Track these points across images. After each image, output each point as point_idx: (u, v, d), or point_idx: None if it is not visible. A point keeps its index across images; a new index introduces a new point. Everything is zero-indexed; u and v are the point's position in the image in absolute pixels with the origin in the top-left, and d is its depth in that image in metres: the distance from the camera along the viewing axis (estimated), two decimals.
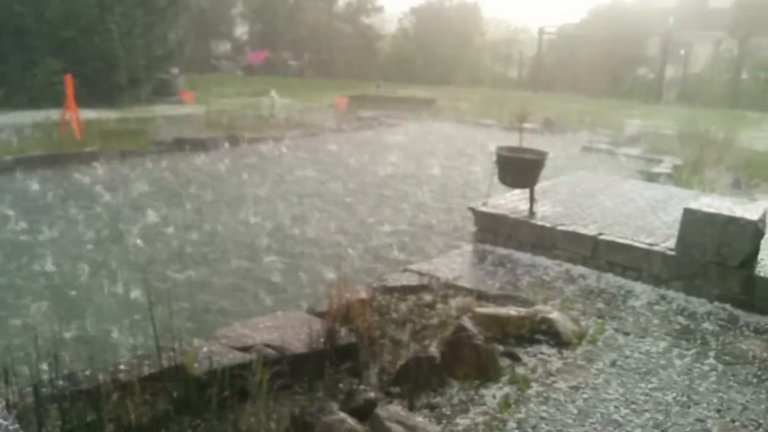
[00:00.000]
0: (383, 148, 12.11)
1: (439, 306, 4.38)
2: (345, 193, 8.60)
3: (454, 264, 5.33)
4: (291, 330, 3.76)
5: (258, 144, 11.93)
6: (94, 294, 5.00)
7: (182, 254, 6.00)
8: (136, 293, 4.93)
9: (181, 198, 8.02)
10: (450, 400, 3.23)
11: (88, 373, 2.96)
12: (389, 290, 4.66)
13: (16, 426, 2.13)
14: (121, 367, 3.09)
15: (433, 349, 3.69)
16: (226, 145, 11.53)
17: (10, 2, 14.38)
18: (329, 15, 30.05)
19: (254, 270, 5.69)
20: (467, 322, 3.68)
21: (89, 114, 12.53)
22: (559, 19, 28.77)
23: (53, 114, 11.97)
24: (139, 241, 6.24)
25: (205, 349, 3.34)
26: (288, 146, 11.85)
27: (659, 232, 5.37)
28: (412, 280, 4.87)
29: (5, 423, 2.13)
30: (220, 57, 30.60)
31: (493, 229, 5.87)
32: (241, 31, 33.93)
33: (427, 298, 4.54)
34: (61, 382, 2.81)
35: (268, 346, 3.51)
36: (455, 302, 4.39)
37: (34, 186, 8.29)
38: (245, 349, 3.46)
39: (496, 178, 5.88)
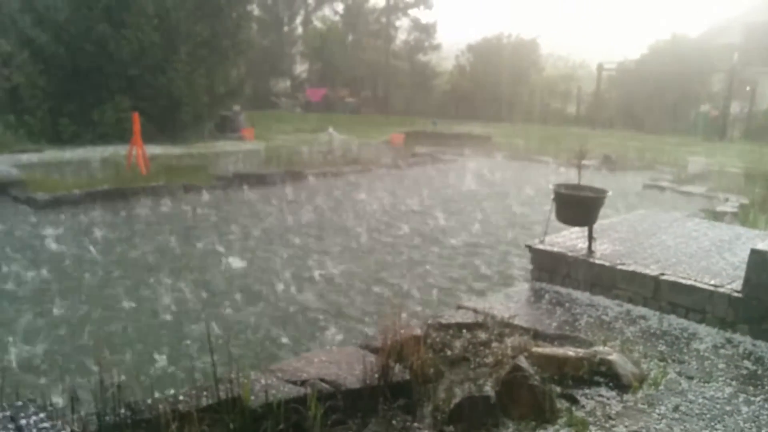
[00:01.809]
0: (439, 184, 12.14)
1: (494, 344, 4.31)
2: (400, 228, 8.64)
3: (510, 302, 5.26)
4: (345, 365, 3.77)
5: (314, 179, 12.16)
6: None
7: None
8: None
9: (227, 228, 8.23)
10: None
11: (149, 402, 3.04)
12: (443, 327, 4.62)
13: None
14: (180, 397, 3.15)
15: (488, 389, 3.64)
16: (285, 180, 11.80)
17: (82, 42, 15.22)
18: (386, 53, 30.66)
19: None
20: (523, 362, 3.61)
21: (154, 150, 13.05)
22: (618, 55, 28.45)
23: (121, 149, 12.53)
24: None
25: (261, 382, 3.38)
26: (345, 181, 12.04)
27: (724, 273, 5.18)
28: (467, 318, 4.81)
29: None
30: (280, 94, 31.50)
31: (550, 267, 5.78)
32: (300, 69, 34.95)
33: (482, 336, 4.48)
34: (123, 411, 2.88)
35: (322, 380, 3.53)
36: (511, 341, 4.31)
37: (104, 217, 8.67)
38: (300, 383, 3.48)
39: (553, 216, 5.81)
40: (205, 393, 3.22)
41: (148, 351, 4.58)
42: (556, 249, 5.79)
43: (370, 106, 30.16)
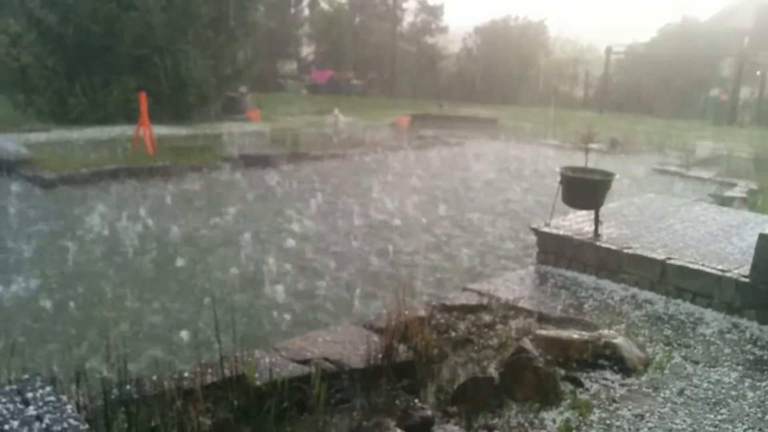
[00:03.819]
0: (443, 166, 12.10)
1: (499, 327, 4.32)
2: (401, 209, 8.62)
3: (515, 285, 5.25)
4: (349, 345, 3.78)
5: (320, 161, 12.14)
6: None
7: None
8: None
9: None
10: (508, 422, 3.17)
11: (154, 379, 3.05)
12: (448, 309, 4.63)
13: (86, 427, 2.21)
14: (185, 374, 3.17)
15: (492, 370, 3.65)
16: (289, 161, 11.78)
17: (89, 23, 15.16)
18: (393, 35, 30.43)
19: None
20: (528, 344, 3.61)
21: (161, 130, 13.04)
22: (627, 39, 28.10)
23: (128, 130, 12.53)
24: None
25: (265, 360, 3.39)
26: (350, 163, 12.01)
27: (732, 258, 5.15)
28: (472, 300, 4.82)
29: (76, 423, 2.21)
30: (286, 76, 31.37)
31: (555, 250, 5.76)
32: (307, 51, 34.77)
33: (487, 318, 4.49)
34: (128, 387, 2.90)
35: (326, 359, 3.54)
36: (515, 323, 4.32)
37: (109, 196, 8.69)
38: (304, 361, 3.49)
39: (559, 199, 5.79)
40: (209, 371, 3.23)
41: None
42: (561, 232, 5.77)
43: (376, 89, 30.01)
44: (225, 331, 3.21)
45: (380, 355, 3.61)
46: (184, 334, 4.51)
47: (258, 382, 3.15)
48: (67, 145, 12.07)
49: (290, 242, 6.96)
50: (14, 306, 5.01)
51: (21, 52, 16.16)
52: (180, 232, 7.16)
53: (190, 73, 16.12)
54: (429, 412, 3.14)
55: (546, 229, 5.88)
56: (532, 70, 28.82)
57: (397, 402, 3.41)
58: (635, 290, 5.11)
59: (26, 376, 2.47)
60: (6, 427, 2.16)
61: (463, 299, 4.85)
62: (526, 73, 28.58)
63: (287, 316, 5.00)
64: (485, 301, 4.75)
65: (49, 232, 7.05)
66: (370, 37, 31.06)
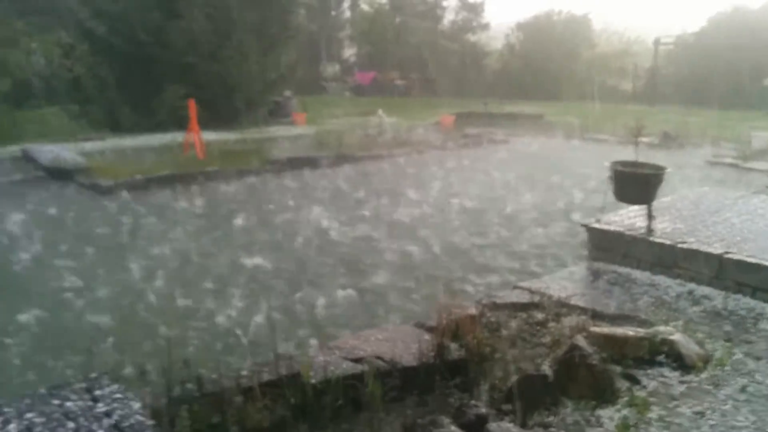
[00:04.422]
0: (491, 165, 12.01)
1: (551, 324, 4.28)
2: (449, 209, 8.60)
3: (567, 282, 5.19)
4: (401, 343, 3.81)
5: (367, 162, 12.21)
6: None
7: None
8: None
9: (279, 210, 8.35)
10: (564, 420, 3.14)
11: (214, 377, 3.14)
12: (499, 307, 4.61)
13: (152, 423, 2.29)
14: (243, 372, 3.25)
15: (546, 368, 3.62)
16: (336, 163, 11.90)
17: (137, 33, 15.60)
18: (435, 34, 30.33)
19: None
20: (582, 342, 3.57)
21: (210, 136, 13.32)
22: (676, 29, 27.32)
23: (178, 136, 12.84)
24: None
25: (320, 359, 3.44)
26: (396, 163, 12.05)
27: None
28: (522, 298, 4.79)
29: (142, 419, 2.30)
30: (329, 78, 31.58)
31: (607, 246, 5.67)
32: (349, 53, 34.97)
33: (539, 316, 4.45)
34: (189, 385, 2.99)
35: (379, 358, 3.58)
36: (568, 321, 4.27)
37: (164, 201, 8.95)
38: (357, 360, 3.54)
39: (610, 194, 5.69)
40: (266, 369, 3.30)
41: None
42: (613, 228, 5.68)
43: (420, 88, 29.94)
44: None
45: (432, 353, 3.63)
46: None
47: (313, 380, 3.21)
48: (121, 153, 12.45)
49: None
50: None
51: (74, 63, 16.73)
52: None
53: (236, 79, 16.42)
54: (483, 410, 3.14)
55: (597, 225, 5.79)
56: (577, 65, 28.31)
57: (451, 400, 3.42)
58: (692, 286, 4.98)
59: (94, 375, 2.57)
60: (77, 423, 2.26)
61: (513, 297, 4.82)
62: (571, 67, 28.08)
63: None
64: (536, 299, 4.72)
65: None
66: (411, 37, 31.03)
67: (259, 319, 4.74)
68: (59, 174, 10.46)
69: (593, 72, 27.56)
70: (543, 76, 27.47)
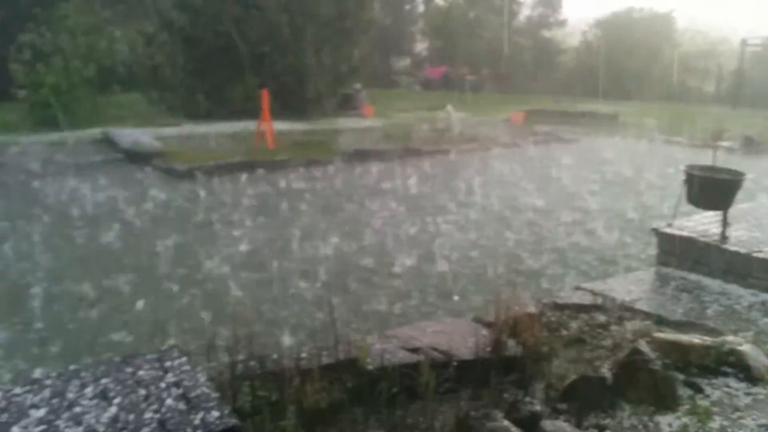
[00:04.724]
0: (557, 164, 11.80)
1: (613, 328, 4.20)
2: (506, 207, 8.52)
3: (632, 286, 5.08)
4: (458, 337, 3.82)
5: (432, 156, 12.22)
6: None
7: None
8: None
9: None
10: (621, 423, 3.09)
11: (275, 357, 3.25)
12: (560, 307, 4.56)
13: (217, 395, 2.41)
14: (303, 355, 3.35)
15: (605, 371, 3.57)
16: (403, 156, 11.96)
17: (216, 23, 16.09)
18: (509, 29, 29.94)
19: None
20: (644, 346, 3.50)
21: (280, 126, 13.62)
22: (765, 30, 26.03)
23: (250, 125, 13.19)
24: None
25: (377, 347, 3.51)
26: (462, 159, 12.01)
27: None
28: (585, 299, 4.72)
29: (208, 391, 2.42)
30: (400, 72, 31.66)
31: (678, 252, 5.50)
32: (421, 47, 34.92)
33: (601, 318, 4.38)
34: (252, 363, 3.11)
35: (435, 349, 3.61)
36: (631, 325, 4.19)
37: (236, 186, 9.25)
38: (414, 350, 3.58)
39: (683, 199, 5.52)
40: (325, 353, 3.39)
41: None
42: (685, 233, 5.50)
43: (491, 84, 29.65)
44: None
45: (488, 349, 3.63)
46: None
47: (370, 367, 3.27)
48: (196, 139, 12.91)
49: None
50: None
51: (154, 51, 17.42)
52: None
53: (308, 71, 16.72)
54: (538, 407, 3.13)
55: (668, 230, 5.63)
56: (658, 64, 27.36)
57: (505, 395, 3.42)
58: (766, 296, 4.78)
59: (165, 347, 2.72)
60: (148, 390, 2.41)
61: (575, 298, 4.76)
62: (650, 66, 27.17)
63: None
64: (599, 301, 4.64)
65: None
66: (484, 32, 30.74)
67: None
68: (137, 157, 10.95)
69: (674, 72, 26.58)
70: (620, 74, 26.70)
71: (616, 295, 4.76)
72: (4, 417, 2.22)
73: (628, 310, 4.47)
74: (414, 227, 7.43)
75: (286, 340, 4.41)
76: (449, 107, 15.58)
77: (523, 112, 17.89)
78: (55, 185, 9.27)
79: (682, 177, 5.47)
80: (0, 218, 7.62)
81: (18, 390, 2.39)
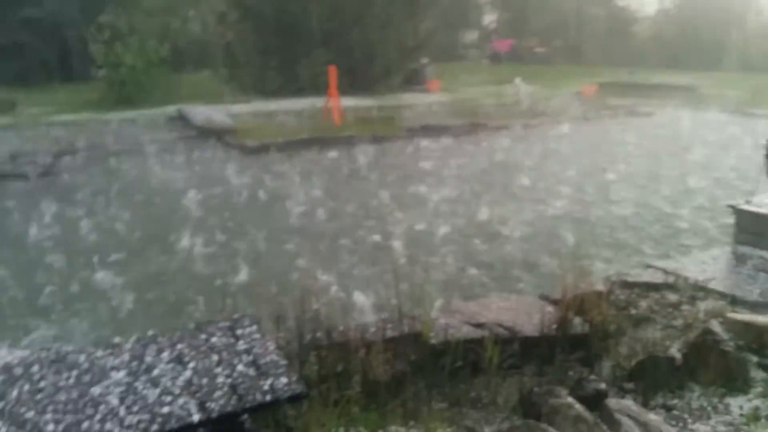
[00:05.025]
0: (631, 137, 11.43)
1: (685, 307, 4.09)
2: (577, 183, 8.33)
3: (706, 264, 4.91)
4: (523, 313, 3.81)
5: (499, 131, 12.05)
6: None
7: None
8: None
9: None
10: (689, 404, 3.03)
11: (341, 328, 3.34)
12: (629, 285, 4.47)
13: (286, 362, 2.51)
14: (369, 327, 3.43)
15: (674, 351, 3.49)
16: (470, 131, 11.86)
17: (284, 1, 16.26)
18: None
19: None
20: (716, 327, 3.39)
21: (347, 102, 13.71)
22: None
23: (317, 102, 13.34)
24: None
25: (441, 321, 3.54)
26: (532, 134, 11.80)
27: None
28: (656, 278, 4.60)
29: (277, 359, 2.52)
30: (468, 46, 31.19)
31: (757, 230, 5.26)
32: (489, 19, 34.22)
33: (672, 297, 4.26)
34: (319, 334, 3.21)
35: (500, 325, 3.62)
36: (704, 305, 4.06)
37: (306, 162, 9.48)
38: (478, 325, 3.60)
39: (765, 175, 5.27)
40: (389, 326, 3.46)
41: None
42: (764, 210, 5.26)
43: (561, 56, 28.80)
44: None
45: (554, 326, 3.61)
46: None
47: (433, 341, 3.32)
48: (265, 116, 13.18)
49: None
50: None
51: (226, 29, 17.79)
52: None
53: (375, 46, 16.71)
54: (603, 385, 3.11)
55: (746, 207, 5.39)
56: (739, 32, 25.87)
57: (570, 373, 3.40)
58: None
59: (236, 315, 2.84)
60: (220, 356, 2.53)
61: (646, 277, 4.65)
62: (733, 35, 25.74)
63: None
64: (671, 279, 4.51)
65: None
66: (555, 2, 29.83)
67: None
68: (209, 134, 11.30)
69: (759, 41, 25.10)
70: (700, 44, 25.42)
71: (688, 273, 4.61)
72: (88, 377, 2.39)
73: (701, 290, 4.33)
74: (496, 204, 7.39)
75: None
76: (518, 81, 15.28)
77: (594, 85, 17.36)
78: (137, 162, 9.70)
79: (763, 152, 5.22)
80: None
81: (100, 353, 2.55)
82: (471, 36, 33.13)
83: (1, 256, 5.85)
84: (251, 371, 2.43)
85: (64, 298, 4.85)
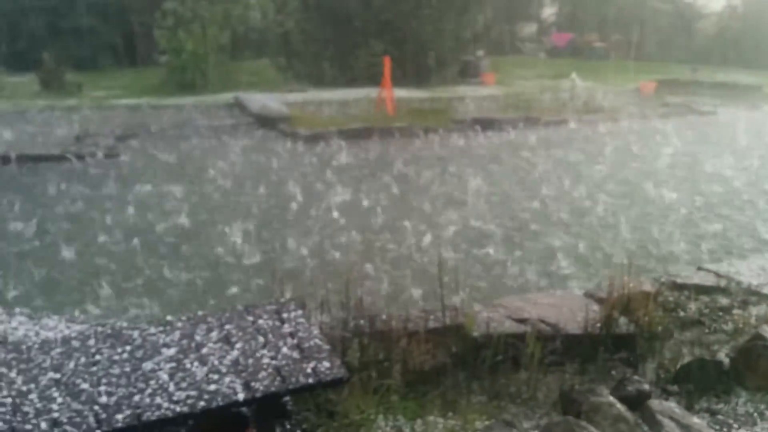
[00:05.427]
0: (688, 137, 11.10)
1: (736, 312, 3.99)
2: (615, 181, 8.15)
3: (762, 270, 4.76)
4: (567, 310, 3.79)
5: (551, 127, 11.88)
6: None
7: None
8: None
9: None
10: (735, 409, 2.97)
11: (383, 317, 3.40)
12: (678, 287, 4.38)
13: (329, 347, 2.58)
14: (411, 317, 3.47)
15: (722, 355, 3.43)
16: (523, 125, 11.73)
17: None
18: None
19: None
20: (767, 332, 3.31)
21: (401, 93, 13.72)
22: None
23: (371, 92, 13.40)
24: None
25: (484, 315, 3.56)
26: (586, 130, 11.59)
27: None
28: (707, 280, 4.49)
29: (320, 344, 2.59)
30: (525, 39, 30.67)
31: None
32: (549, 12, 33.56)
33: (723, 301, 4.17)
34: (362, 322, 3.27)
35: (543, 321, 3.61)
36: (756, 310, 3.96)
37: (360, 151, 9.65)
38: (521, 321, 3.60)
39: None
40: (432, 317, 3.50)
41: None
42: None
43: (621, 51, 28.02)
44: None
45: (599, 325, 3.58)
46: None
47: (475, 334, 3.34)
48: (319, 105, 13.33)
49: None
50: None
51: (285, 18, 17.99)
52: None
53: (430, 37, 16.65)
54: (646, 386, 3.08)
55: None
56: None
57: (613, 372, 3.38)
58: None
59: (283, 299, 2.93)
60: (266, 338, 2.62)
61: (696, 279, 4.54)
62: None
63: None
64: (723, 283, 4.40)
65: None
66: None
67: None
68: (265, 121, 11.50)
69: None
70: (766, 42, 24.39)
71: (742, 277, 4.49)
72: (140, 353, 2.51)
73: (754, 294, 4.22)
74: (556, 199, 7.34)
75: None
76: (574, 75, 14.97)
77: (654, 82, 16.88)
78: (193, 146, 9.99)
79: None
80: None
81: (153, 330, 2.67)
82: (529, 29, 32.58)
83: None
84: (295, 354, 2.50)
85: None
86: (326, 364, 2.46)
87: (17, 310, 3.66)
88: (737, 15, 26.61)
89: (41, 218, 6.45)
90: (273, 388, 2.31)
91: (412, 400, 3.00)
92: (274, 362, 2.45)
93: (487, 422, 2.84)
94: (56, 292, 4.81)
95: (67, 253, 5.51)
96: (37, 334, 3.12)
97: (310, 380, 2.37)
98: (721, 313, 3.98)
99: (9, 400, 2.21)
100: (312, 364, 2.45)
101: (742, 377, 3.18)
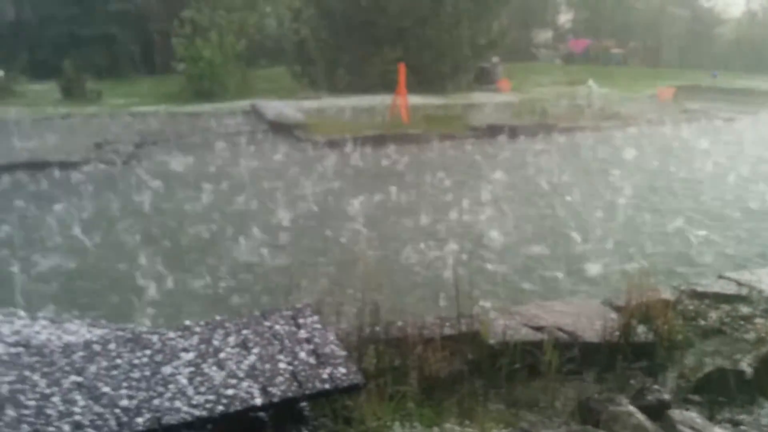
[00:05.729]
0: (703, 144, 10.97)
1: (758, 321, 3.92)
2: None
3: None
4: (585, 318, 3.76)
5: (567, 133, 11.82)
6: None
7: None
8: None
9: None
10: (758, 420, 2.92)
11: (399, 324, 3.38)
12: (699, 295, 4.32)
13: (345, 353, 2.57)
14: (427, 324, 3.46)
15: (745, 365, 3.37)
16: (537, 132, 11.69)
17: None
18: None
19: None
20: None
21: (415, 100, 13.74)
22: None
23: (386, 99, 13.44)
24: None
25: (500, 322, 3.54)
26: (603, 137, 11.52)
27: None
28: (728, 289, 4.43)
29: (337, 349, 2.58)
30: (540, 45, 30.63)
31: None
32: (564, 18, 33.50)
33: (744, 310, 4.10)
34: (377, 328, 3.26)
35: (560, 329, 3.58)
36: None
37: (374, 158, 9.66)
38: (538, 328, 3.57)
39: None
40: (447, 324, 3.48)
41: None
42: None
43: (638, 58, 27.92)
44: None
45: (617, 333, 3.54)
46: None
47: (492, 341, 3.32)
48: (334, 112, 13.38)
49: None
50: None
51: (300, 26, 18.12)
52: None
53: (446, 44, 16.66)
54: (666, 396, 3.03)
55: None
56: None
57: (632, 381, 3.33)
58: None
59: (299, 305, 2.93)
60: (283, 343, 2.61)
61: (717, 287, 4.48)
62: None
63: None
64: (744, 291, 4.34)
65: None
66: (635, 2, 28.94)
67: None
68: (280, 128, 11.58)
69: None
70: None
71: (765, 286, 4.42)
72: (159, 357, 2.52)
73: None
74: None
75: None
76: (590, 82, 14.92)
77: (672, 88, 16.76)
78: (210, 152, 10.07)
79: None
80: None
81: (171, 334, 2.68)
82: (545, 35, 32.53)
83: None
84: (311, 359, 2.50)
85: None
86: (342, 369, 2.45)
87: (40, 314, 3.70)
88: (757, 21, 26.39)
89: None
90: (290, 394, 2.31)
91: (428, 408, 2.98)
92: (290, 368, 2.45)
93: (504, 430, 2.81)
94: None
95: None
96: (59, 338, 3.14)
97: (327, 386, 2.36)
98: (742, 322, 3.91)
99: (33, 402, 2.23)
100: (328, 370, 2.44)
101: (765, 387, 3.12)
